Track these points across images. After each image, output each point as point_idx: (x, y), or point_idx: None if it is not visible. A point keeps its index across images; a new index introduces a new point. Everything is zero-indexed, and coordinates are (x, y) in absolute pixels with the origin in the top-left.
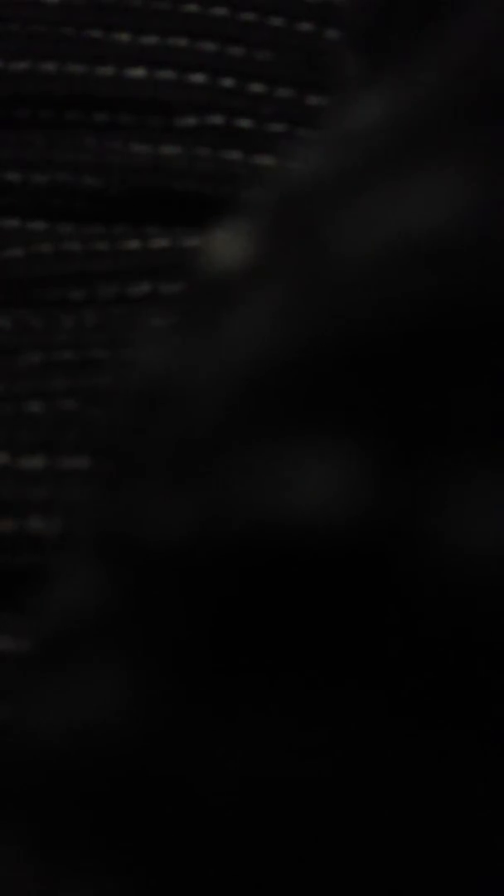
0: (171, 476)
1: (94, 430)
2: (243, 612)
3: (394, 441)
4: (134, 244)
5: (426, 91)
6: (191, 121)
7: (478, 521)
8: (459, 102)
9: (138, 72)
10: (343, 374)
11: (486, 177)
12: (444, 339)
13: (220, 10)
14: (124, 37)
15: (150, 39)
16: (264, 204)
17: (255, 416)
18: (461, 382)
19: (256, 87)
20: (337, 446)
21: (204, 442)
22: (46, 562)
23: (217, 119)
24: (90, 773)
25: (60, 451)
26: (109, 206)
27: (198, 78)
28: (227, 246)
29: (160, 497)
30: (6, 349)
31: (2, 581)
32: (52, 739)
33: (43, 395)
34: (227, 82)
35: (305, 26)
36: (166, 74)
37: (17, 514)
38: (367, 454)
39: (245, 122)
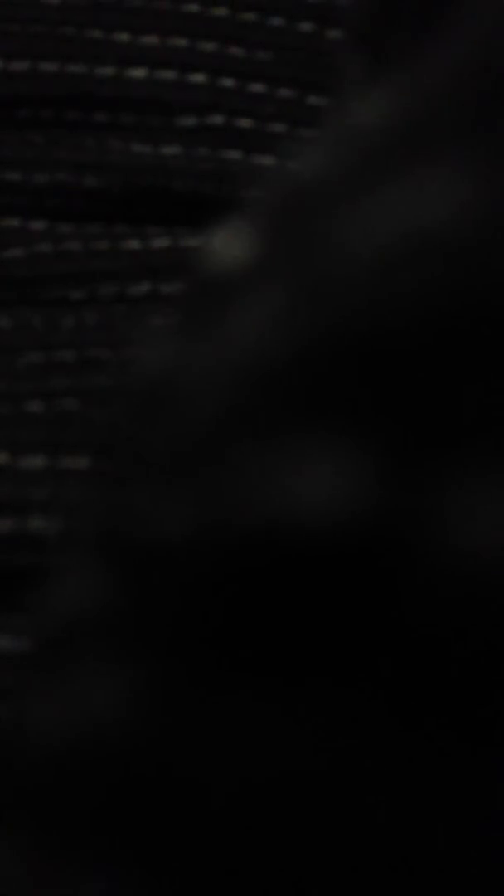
0: (171, 475)
1: (94, 430)
2: (244, 610)
3: (396, 439)
4: (134, 244)
5: (427, 90)
6: (191, 121)
7: (480, 520)
8: (460, 101)
9: (138, 72)
10: (344, 372)
11: (486, 174)
12: (444, 336)
13: (221, 10)
14: (124, 37)
15: (150, 39)
16: (264, 204)
17: (256, 416)
18: (463, 379)
19: (257, 87)
20: (339, 445)
21: (205, 441)
22: (46, 562)
23: (217, 119)
24: (91, 772)
25: (60, 451)
26: (109, 206)
27: (198, 78)
28: (227, 246)
29: (161, 496)
30: (6, 349)
31: (2, 581)
32: (52, 738)
33: (43, 394)
34: (228, 82)
35: (305, 26)
36: (166, 74)
37: (17, 514)
38: (370, 452)
39: (245, 122)
